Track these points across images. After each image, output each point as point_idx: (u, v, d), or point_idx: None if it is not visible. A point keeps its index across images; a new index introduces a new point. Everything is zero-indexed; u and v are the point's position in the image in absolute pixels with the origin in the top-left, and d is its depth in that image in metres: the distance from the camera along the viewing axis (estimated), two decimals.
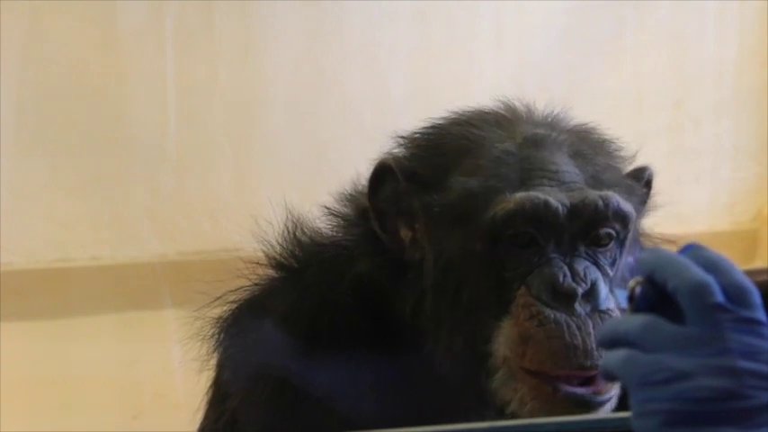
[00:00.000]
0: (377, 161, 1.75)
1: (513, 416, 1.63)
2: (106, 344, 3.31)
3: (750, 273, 1.19)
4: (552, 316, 1.61)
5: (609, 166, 1.74)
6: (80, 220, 3.29)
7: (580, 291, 1.62)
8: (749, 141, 3.67)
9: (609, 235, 1.68)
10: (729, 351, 1.16)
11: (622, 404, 1.56)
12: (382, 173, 1.73)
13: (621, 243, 1.69)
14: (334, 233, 1.83)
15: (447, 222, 1.69)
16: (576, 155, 1.72)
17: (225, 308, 1.82)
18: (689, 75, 3.62)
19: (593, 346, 1.59)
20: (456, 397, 1.70)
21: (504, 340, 1.63)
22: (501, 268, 1.65)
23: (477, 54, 3.46)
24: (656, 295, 1.20)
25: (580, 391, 1.59)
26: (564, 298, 1.62)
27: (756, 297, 1.18)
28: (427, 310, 1.70)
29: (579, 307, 1.61)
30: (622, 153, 1.80)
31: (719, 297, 1.17)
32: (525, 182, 1.67)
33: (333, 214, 1.83)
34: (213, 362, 1.84)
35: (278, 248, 1.83)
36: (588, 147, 1.75)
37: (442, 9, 3.42)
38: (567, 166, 1.70)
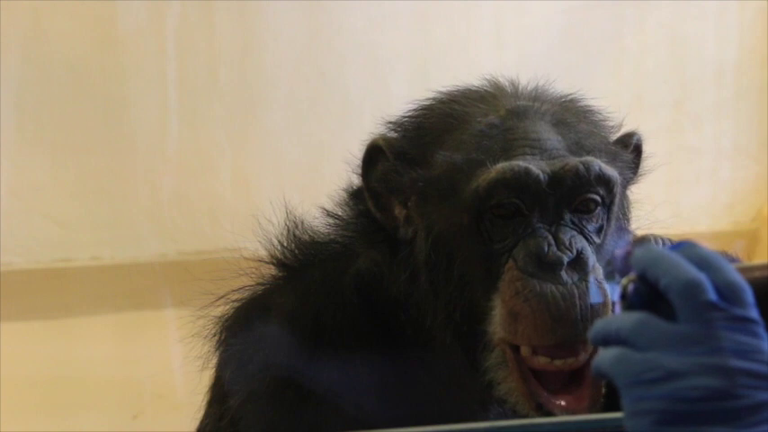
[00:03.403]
0: (368, 142, 1.76)
1: (506, 402, 1.64)
2: (106, 344, 3.31)
3: (743, 269, 1.19)
4: (537, 288, 1.61)
5: (592, 132, 1.74)
6: (80, 220, 3.29)
7: (566, 259, 1.62)
8: (749, 141, 3.67)
9: (594, 201, 1.67)
10: (722, 350, 1.15)
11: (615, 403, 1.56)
12: (374, 153, 1.74)
13: (608, 209, 1.69)
14: (333, 232, 1.83)
15: (435, 197, 1.69)
16: (559, 123, 1.72)
17: (226, 307, 1.83)
18: (689, 75, 3.62)
19: (581, 315, 1.59)
20: (457, 392, 1.70)
21: (496, 318, 1.63)
22: (489, 241, 1.66)
23: (477, 54, 3.46)
24: (649, 293, 1.19)
25: (555, 404, 1.60)
26: (549, 267, 1.62)
27: (749, 295, 1.18)
28: (422, 286, 1.70)
29: (566, 275, 1.61)
30: (608, 121, 1.81)
31: (712, 295, 1.16)
32: (507, 152, 1.67)
33: (330, 215, 1.84)
34: (214, 361, 1.84)
35: (279, 248, 1.83)
36: (571, 115, 1.75)
37: (442, 9, 3.42)
38: (548, 135, 1.70)
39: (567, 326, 1.59)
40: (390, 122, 1.80)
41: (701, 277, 1.17)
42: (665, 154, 3.55)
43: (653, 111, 3.59)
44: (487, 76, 1.80)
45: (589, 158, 1.67)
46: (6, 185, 3.22)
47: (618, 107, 3.54)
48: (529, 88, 1.78)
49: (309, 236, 1.84)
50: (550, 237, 1.64)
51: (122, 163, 3.30)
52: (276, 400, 1.71)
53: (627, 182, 1.77)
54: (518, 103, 1.74)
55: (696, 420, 1.14)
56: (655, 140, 3.56)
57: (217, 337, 1.82)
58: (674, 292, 1.18)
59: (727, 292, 1.17)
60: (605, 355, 1.19)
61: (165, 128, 3.31)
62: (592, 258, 1.63)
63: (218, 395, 1.85)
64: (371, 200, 1.75)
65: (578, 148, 1.69)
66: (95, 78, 3.25)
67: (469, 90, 1.79)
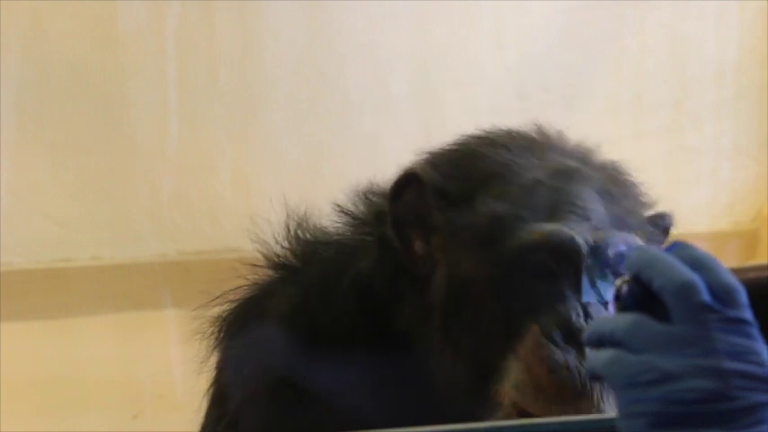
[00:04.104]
0: (405, 168, 1.74)
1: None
2: (106, 344, 3.31)
3: (737, 271, 1.19)
4: (563, 360, 1.59)
5: (633, 209, 1.74)
6: (80, 220, 3.29)
7: None
8: (749, 141, 3.66)
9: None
10: (716, 351, 1.15)
11: None
12: (408, 181, 1.72)
13: None
14: (340, 231, 1.82)
15: (468, 242, 1.67)
16: (604, 193, 1.71)
17: (225, 307, 1.82)
18: (689, 75, 3.62)
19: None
20: (455, 396, 1.69)
21: (512, 379, 1.62)
22: (515, 297, 1.64)
23: (477, 54, 3.46)
24: (643, 294, 1.20)
25: None
26: (576, 338, 1.59)
27: (743, 296, 1.18)
28: (434, 326, 1.69)
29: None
30: (645, 197, 1.79)
31: (706, 296, 1.16)
32: (552, 213, 1.66)
33: (343, 212, 1.82)
34: (213, 362, 1.83)
35: (279, 247, 1.82)
36: (616, 187, 1.74)
37: (442, 9, 3.42)
38: (594, 204, 1.69)
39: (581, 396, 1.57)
40: (429, 153, 1.77)
41: (695, 278, 1.17)
42: (665, 154, 3.56)
43: (653, 111, 3.58)
44: (535, 124, 1.79)
45: (631, 237, 1.67)
46: (6, 185, 3.22)
47: (618, 107, 3.56)
48: (578, 148, 1.77)
49: (311, 235, 1.83)
50: (579, 306, 1.63)
51: (122, 163, 3.30)
52: (273, 402, 1.71)
53: None
54: (567, 162, 1.73)
55: (691, 422, 1.15)
56: (655, 140, 3.58)
57: (216, 338, 1.82)
58: (668, 293, 1.18)
59: (722, 294, 1.18)
60: (599, 357, 1.20)
61: (165, 128, 3.31)
62: None
63: (217, 397, 1.84)
64: (393, 228, 1.72)
65: (620, 223, 1.69)
66: (95, 78, 3.25)
67: (515, 135, 1.77)
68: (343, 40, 3.39)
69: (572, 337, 1.60)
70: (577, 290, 1.64)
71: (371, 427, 1.57)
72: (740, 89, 3.64)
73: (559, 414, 1.58)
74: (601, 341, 1.20)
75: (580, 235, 1.64)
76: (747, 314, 1.17)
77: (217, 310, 1.82)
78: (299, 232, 1.83)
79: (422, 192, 1.71)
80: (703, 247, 1.23)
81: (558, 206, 1.68)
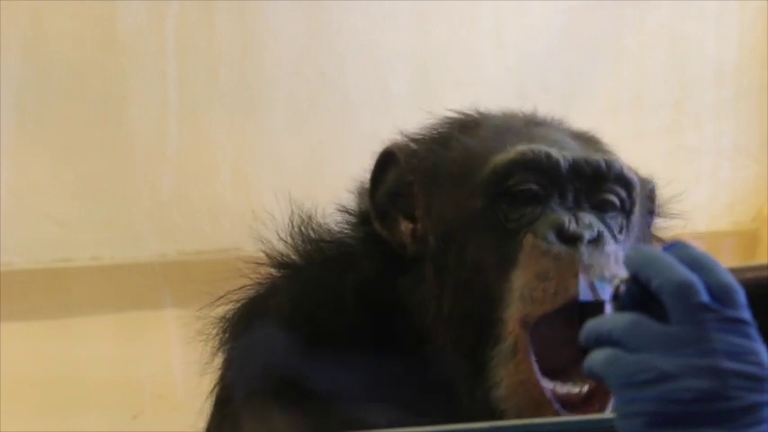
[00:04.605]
0: (380, 151, 1.73)
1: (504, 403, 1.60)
2: (106, 344, 3.31)
3: (735, 270, 1.19)
4: (563, 249, 1.56)
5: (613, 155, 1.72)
6: (80, 220, 3.29)
7: (587, 235, 1.57)
8: (749, 141, 3.66)
9: (612, 203, 1.64)
10: (714, 351, 1.15)
11: None
12: (386, 163, 1.71)
13: (627, 215, 1.66)
14: (341, 229, 1.81)
15: (446, 185, 1.66)
16: (579, 137, 1.71)
17: (228, 307, 1.81)
18: (689, 75, 3.62)
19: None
20: (457, 395, 1.67)
21: (517, 291, 1.57)
22: (504, 220, 1.61)
23: (477, 54, 3.46)
24: (641, 293, 1.20)
25: (565, 392, 1.55)
26: (570, 240, 1.57)
27: (742, 296, 1.18)
28: (428, 283, 1.66)
29: (586, 251, 1.56)
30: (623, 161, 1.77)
31: (704, 296, 1.16)
32: (528, 142, 1.65)
33: (344, 210, 1.81)
34: (217, 362, 1.83)
35: (281, 245, 1.81)
36: (593, 139, 1.74)
37: (442, 9, 3.42)
38: (569, 141, 1.69)
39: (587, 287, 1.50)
40: (403, 133, 1.77)
41: (694, 278, 1.18)
42: (665, 154, 3.56)
43: (653, 111, 3.58)
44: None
45: (612, 156, 1.66)
46: (6, 185, 3.22)
47: (618, 107, 3.57)
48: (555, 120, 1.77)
49: (315, 233, 1.82)
50: (571, 215, 1.60)
51: (122, 163, 3.29)
52: (276, 403, 1.70)
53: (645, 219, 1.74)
54: (538, 119, 1.74)
55: (688, 422, 1.15)
56: (655, 140, 3.58)
57: (219, 338, 1.81)
58: (666, 293, 1.18)
59: (720, 294, 1.18)
60: (597, 356, 1.20)
61: (165, 128, 3.31)
62: (612, 243, 1.58)
63: (221, 398, 1.84)
64: (377, 219, 1.71)
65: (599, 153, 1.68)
66: (95, 78, 3.25)
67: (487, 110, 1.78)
68: (343, 40, 3.39)
69: (567, 240, 1.57)
70: (565, 206, 1.61)
71: (374, 427, 1.57)
72: (740, 89, 3.64)
73: (567, 304, 1.53)
74: (598, 340, 1.20)
75: (557, 152, 1.63)
76: (746, 314, 1.17)
77: (219, 310, 1.82)
78: (302, 230, 1.82)
79: (400, 170, 1.70)
80: (703, 247, 1.23)
81: (533, 140, 1.66)
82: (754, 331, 1.17)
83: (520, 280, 1.57)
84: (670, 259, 1.19)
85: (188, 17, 3.29)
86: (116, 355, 3.30)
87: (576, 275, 1.52)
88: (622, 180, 1.65)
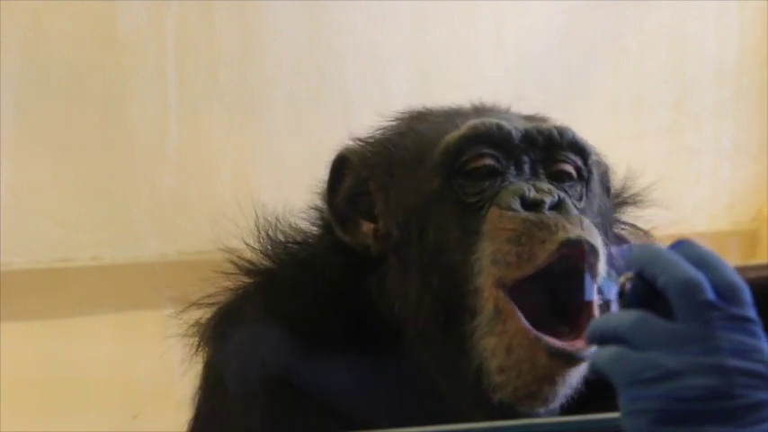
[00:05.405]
0: (333, 158, 1.74)
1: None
2: (106, 344, 3.31)
3: (740, 269, 1.19)
4: (528, 214, 1.55)
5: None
6: (80, 220, 3.29)
7: (548, 200, 1.56)
8: (749, 141, 3.67)
9: (568, 173, 1.64)
10: (720, 349, 1.15)
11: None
12: (340, 168, 1.72)
13: (586, 183, 1.65)
14: (314, 231, 1.80)
15: (402, 174, 1.66)
16: (529, 118, 1.71)
17: (206, 311, 1.81)
18: (689, 75, 3.62)
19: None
20: (439, 392, 1.64)
21: (488, 256, 1.55)
22: (463, 196, 1.60)
23: (477, 54, 3.46)
24: (647, 291, 1.20)
25: (560, 344, 1.52)
26: (534, 207, 1.56)
27: (747, 294, 1.18)
28: (393, 277, 1.65)
29: (551, 215, 1.55)
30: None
31: (710, 294, 1.17)
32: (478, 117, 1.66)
33: (316, 210, 1.80)
34: (198, 366, 1.83)
35: (254, 250, 1.80)
36: (542, 120, 1.73)
37: (442, 9, 3.42)
38: (520, 119, 1.68)
39: (563, 231, 1.52)
40: (355, 137, 1.77)
41: (700, 276, 1.18)
42: (665, 154, 3.57)
43: (653, 111, 3.59)
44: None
45: (563, 125, 1.65)
46: (6, 185, 3.22)
47: (618, 107, 3.57)
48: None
49: (288, 236, 1.80)
50: (530, 185, 1.59)
51: (122, 163, 3.30)
52: (265, 405, 1.69)
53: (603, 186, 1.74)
54: (488, 105, 1.75)
55: (693, 420, 1.15)
56: (655, 140, 3.58)
57: (198, 342, 1.81)
58: (672, 290, 1.18)
59: (726, 292, 1.18)
60: (602, 354, 1.20)
61: (165, 128, 3.31)
62: (573, 208, 1.57)
63: (200, 402, 1.84)
64: (338, 225, 1.70)
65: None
66: (95, 78, 3.25)
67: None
68: (343, 40, 3.39)
69: (529, 206, 1.56)
70: (521, 176, 1.60)
71: (358, 428, 1.57)
72: (740, 89, 3.64)
73: (548, 255, 1.52)
74: (604, 338, 1.20)
75: (508, 123, 1.62)
76: (751, 312, 1.17)
77: (200, 313, 1.82)
78: (276, 232, 1.80)
79: (354, 172, 1.70)
80: None
81: (483, 114, 1.67)
82: (759, 329, 1.18)
83: (490, 247, 1.55)
84: (676, 257, 1.19)
85: (188, 17, 3.29)
86: (116, 355, 3.30)
87: (544, 242, 1.52)
88: (576, 147, 1.64)
